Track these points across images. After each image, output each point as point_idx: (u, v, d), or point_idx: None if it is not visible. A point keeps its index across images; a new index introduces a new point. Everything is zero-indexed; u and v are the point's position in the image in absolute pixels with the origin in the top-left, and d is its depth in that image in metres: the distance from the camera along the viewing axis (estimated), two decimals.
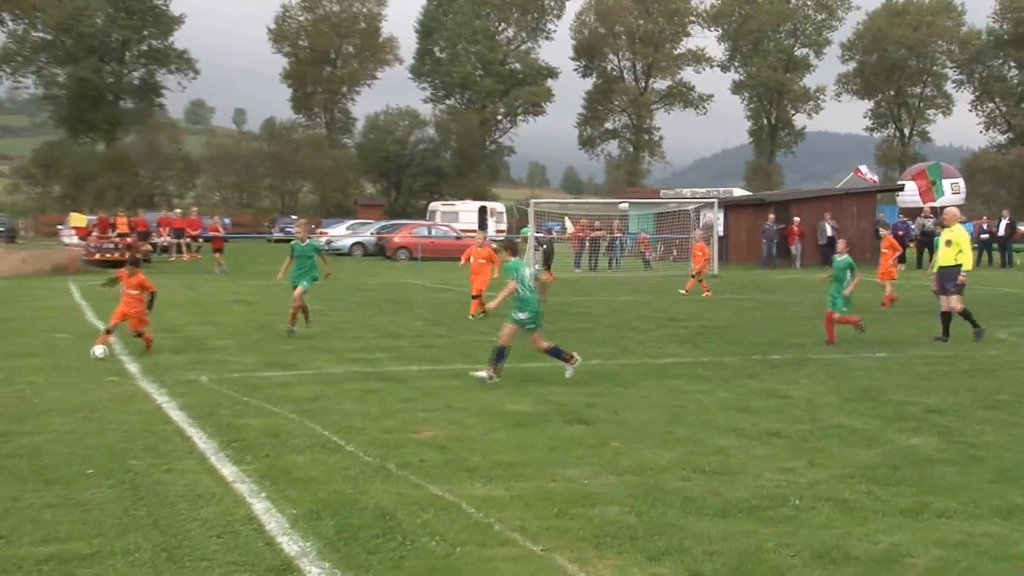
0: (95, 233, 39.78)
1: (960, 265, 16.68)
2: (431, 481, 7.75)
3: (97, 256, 36.73)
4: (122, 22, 78.73)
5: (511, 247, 13.11)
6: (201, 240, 41.81)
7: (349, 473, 8.00)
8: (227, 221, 58.25)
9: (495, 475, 7.97)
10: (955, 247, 16.76)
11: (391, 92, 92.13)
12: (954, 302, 16.73)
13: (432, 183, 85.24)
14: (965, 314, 16.80)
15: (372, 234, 51.67)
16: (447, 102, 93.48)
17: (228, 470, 8.09)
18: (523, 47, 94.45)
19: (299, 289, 16.90)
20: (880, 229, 25.73)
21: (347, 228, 55.13)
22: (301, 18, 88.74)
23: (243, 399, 11.08)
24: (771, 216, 40.43)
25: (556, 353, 12.63)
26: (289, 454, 8.62)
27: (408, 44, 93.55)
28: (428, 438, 9.27)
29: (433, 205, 65.95)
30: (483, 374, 12.28)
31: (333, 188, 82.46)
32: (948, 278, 16.80)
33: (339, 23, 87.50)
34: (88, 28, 76.12)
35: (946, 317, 16.87)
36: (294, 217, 69.84)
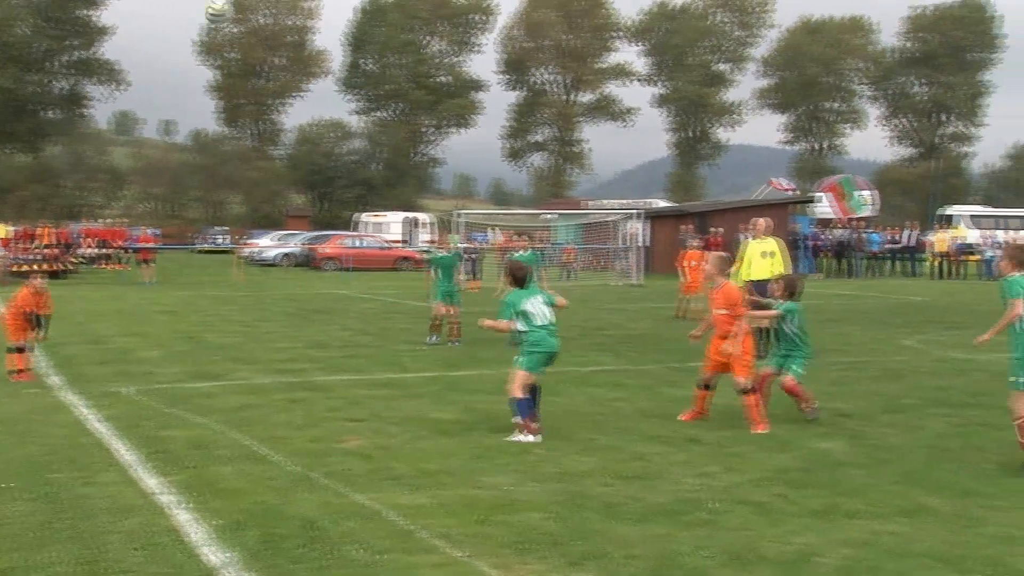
0: (19, 244, 39.14)
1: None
2: (356, 490, 7.78)
3: (21, 268, 36.10)
4: (46, 32, 77.02)
5: None
6: (129, 251, 41.30)
7: (274, 483, 8.00)
8: (157, 232, 57.44)
9: (419, 483, 8.03)
10: (776, 258, 15.83)
11: (321, 104, 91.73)
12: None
13: (361, 194, 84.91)
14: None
15: (300, 244, 51.51)
16: (376, 114, 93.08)
17: (151, 482, 8.02)
18: (451, 60, 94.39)
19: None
20: (688, 240, 24.39)
21: (275, 239, 54.75)
22: (234, 30, 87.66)
23: (168, 410, 10.99)
24: (684, 227, 38.45)
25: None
26: (214, 465, 8.59)
27: (338, 57, 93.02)
28: (353, 447, 9.30)
29: (359, 216, 65.39)
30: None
31: (262, 199, 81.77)
32: (764, 293, 15.14)
33: (269, 36, 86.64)
34: (10, 38, 74.30)
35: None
36: (224, 228, 69.17)
